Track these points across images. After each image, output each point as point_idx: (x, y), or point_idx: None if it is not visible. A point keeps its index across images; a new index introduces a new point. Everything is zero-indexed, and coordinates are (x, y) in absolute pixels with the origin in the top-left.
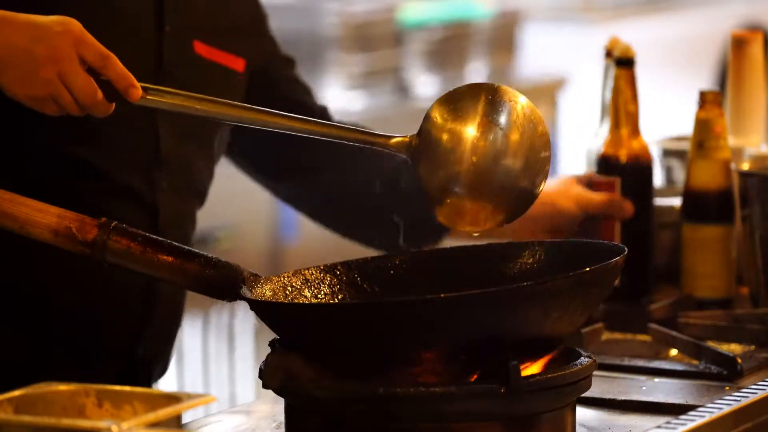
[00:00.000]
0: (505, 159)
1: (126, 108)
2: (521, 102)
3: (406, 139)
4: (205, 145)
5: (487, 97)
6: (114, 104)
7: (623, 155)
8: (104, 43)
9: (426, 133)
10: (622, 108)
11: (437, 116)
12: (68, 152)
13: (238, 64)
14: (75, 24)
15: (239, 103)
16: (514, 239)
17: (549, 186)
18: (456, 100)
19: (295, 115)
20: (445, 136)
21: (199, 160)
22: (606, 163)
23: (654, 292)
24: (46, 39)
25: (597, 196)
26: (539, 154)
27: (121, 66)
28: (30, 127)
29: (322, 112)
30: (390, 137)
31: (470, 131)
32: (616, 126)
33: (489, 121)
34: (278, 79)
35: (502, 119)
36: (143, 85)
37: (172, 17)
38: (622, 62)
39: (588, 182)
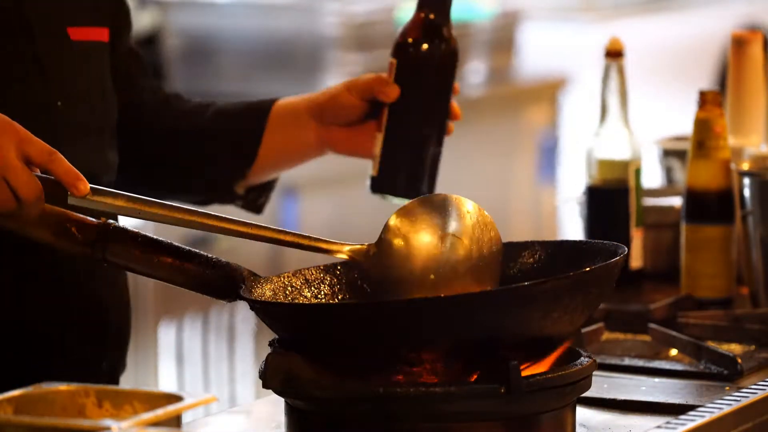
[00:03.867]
0: (461, 264)
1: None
2: (471, 209)
3: (363, 247)
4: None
5: (440, 208)
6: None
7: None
8: None
9: (385, 242)
10: None
11: (396, 226)
12: None
13: (103, 34)
14: (16, 125)
15: (189, 208)
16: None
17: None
18: (413, 213)
19: (248, 222)
20: (402, 245)
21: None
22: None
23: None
24: None
25: (363, 78)
26: (492, 252)
27: (66, 162)
28: None
29: (165, 99)
30: (344, 245)
31: (426, 239)
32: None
33: (443, 230)
34: (121, 52)
35: (455, 226)
36: (91, 186)
37: (40, 11)
38: None
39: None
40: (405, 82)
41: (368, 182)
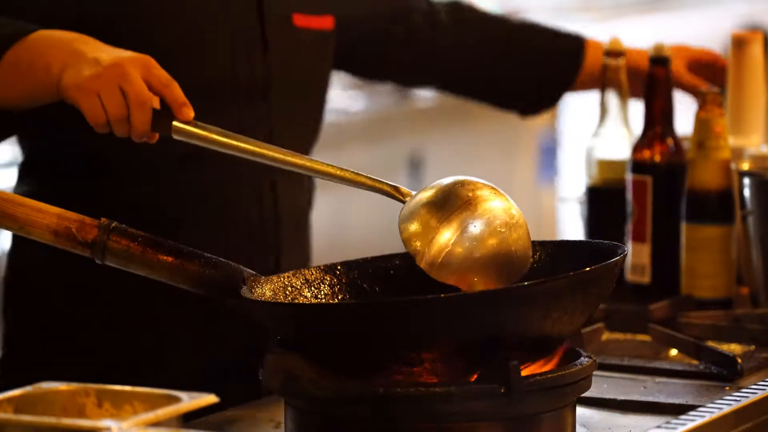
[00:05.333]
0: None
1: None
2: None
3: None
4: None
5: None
6: (155, 135)
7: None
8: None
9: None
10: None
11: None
12: None
13: (327, 22)
14: (151, 61)
15: (275, 147)
16: None
17: None
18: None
19: (320, 161)
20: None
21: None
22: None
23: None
24: (113, 52)
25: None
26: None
27: (179, 91)
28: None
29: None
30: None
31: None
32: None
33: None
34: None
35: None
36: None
37: None
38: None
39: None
40: None
41: None
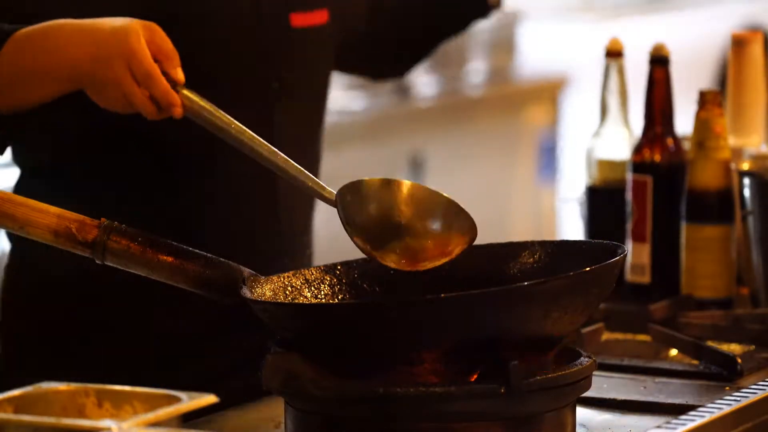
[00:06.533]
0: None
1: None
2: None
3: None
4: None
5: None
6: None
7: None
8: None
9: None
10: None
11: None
12: None
13: (322, 16)
14: (132, 34)
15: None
16: None
17: None
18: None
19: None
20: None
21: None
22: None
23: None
24: (104, 61)
25: None
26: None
27: (163, 83)
28: None
29: None
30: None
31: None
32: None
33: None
34: None
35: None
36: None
37: None
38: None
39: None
40: None
41: None
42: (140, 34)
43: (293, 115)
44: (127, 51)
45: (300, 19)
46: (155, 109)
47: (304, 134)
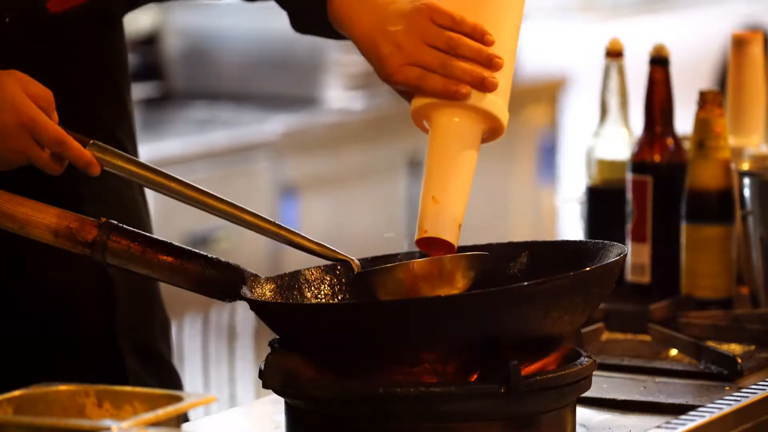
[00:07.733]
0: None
1: None
2: None
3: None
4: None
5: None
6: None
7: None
8: None
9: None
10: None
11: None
12: None
13: None
14: (25, 106)
15: (202, 189)
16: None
17: None
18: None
19: (258, 214)
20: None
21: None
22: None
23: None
24: (2, 134)
25: None
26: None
27: (76, 147)
28: None
29: None
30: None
31: None
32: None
33: None
34: None
35: None
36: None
37: None
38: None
39: None
40: None
41: None
42: (24, 96)
43: (81, 96)
44: (27, 120)
45: (57, 4)
46: (60, 167)
47: (101, 114)
